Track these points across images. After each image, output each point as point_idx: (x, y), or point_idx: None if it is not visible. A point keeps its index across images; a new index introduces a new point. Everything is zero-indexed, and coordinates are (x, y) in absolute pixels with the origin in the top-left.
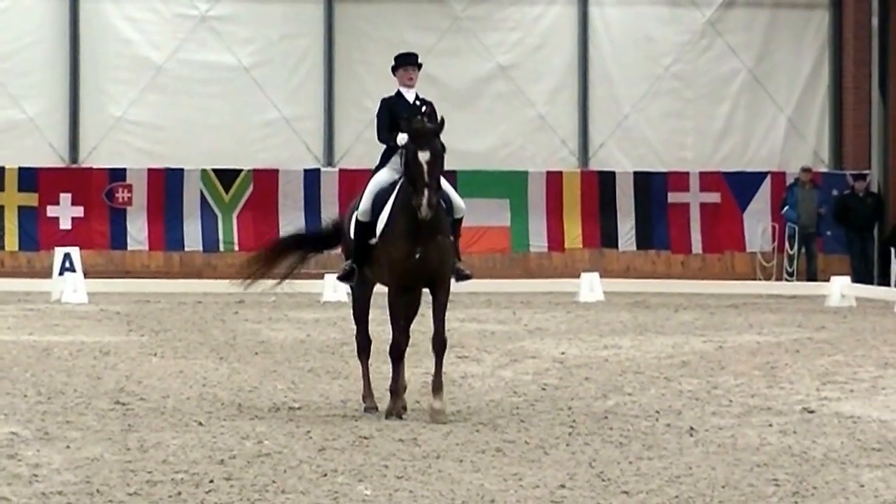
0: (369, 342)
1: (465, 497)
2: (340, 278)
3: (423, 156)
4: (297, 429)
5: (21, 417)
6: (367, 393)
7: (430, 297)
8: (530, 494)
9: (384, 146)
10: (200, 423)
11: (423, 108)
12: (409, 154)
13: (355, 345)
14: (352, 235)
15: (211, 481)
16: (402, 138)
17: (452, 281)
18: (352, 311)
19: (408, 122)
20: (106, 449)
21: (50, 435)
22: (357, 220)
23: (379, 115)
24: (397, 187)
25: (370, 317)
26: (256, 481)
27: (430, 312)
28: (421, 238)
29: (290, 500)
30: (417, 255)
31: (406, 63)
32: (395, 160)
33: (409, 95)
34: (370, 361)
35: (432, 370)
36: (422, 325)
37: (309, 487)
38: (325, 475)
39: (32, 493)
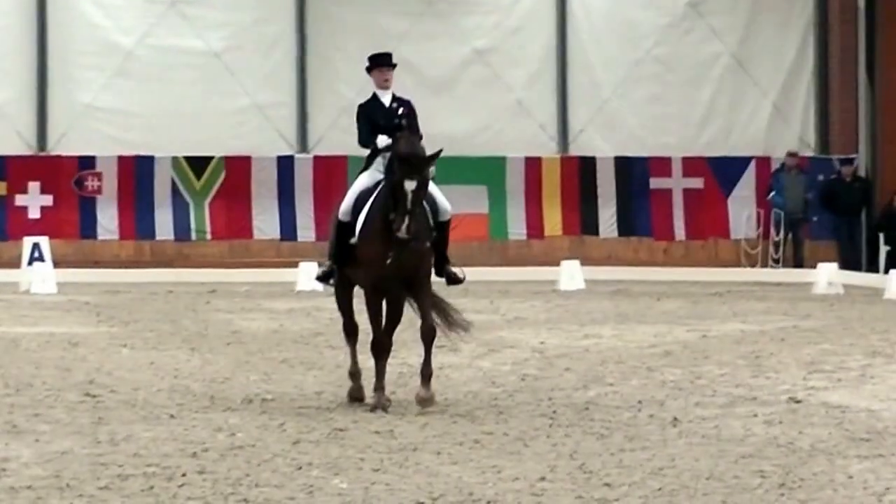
0: (356, 326)
1: (442, 490)
2: (319, 279)
3: (410, 185)
4: (270, 421)
5: None
6: (355, 370)
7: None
8: (510, 487)
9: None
10: (172, 416)
11: (401, 111)
12: (395, 178)
13: (342, 332)
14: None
15: (183, 475)
16: (381, 141)
17: (443, 283)
18: (336, 305)
19: (396, 145)
20: (76, 442)
21: (18, 428)
22: (339, 221)
23: (358, 121)
24: (378, 188)
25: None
26: (230, 475)
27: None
28: (396, 242)
29: (263, 494)
30: (389, 260)
31: (380, 64)
32: (379, 162)
33: (386, 98)
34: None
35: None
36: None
37: (283, 481)
38: (300, 468)
39: (0, 487)
